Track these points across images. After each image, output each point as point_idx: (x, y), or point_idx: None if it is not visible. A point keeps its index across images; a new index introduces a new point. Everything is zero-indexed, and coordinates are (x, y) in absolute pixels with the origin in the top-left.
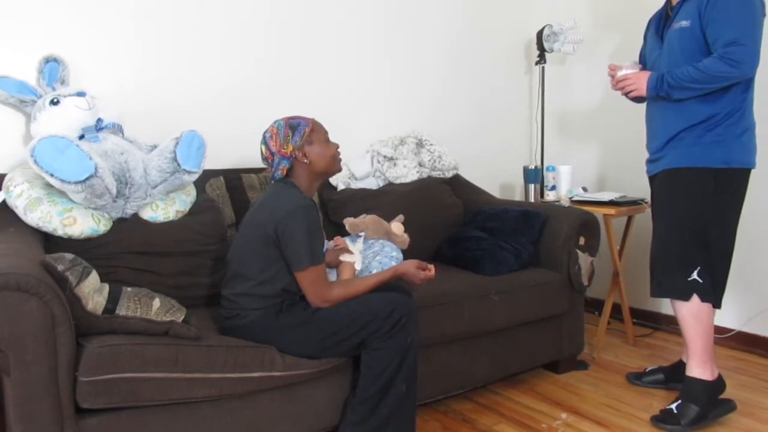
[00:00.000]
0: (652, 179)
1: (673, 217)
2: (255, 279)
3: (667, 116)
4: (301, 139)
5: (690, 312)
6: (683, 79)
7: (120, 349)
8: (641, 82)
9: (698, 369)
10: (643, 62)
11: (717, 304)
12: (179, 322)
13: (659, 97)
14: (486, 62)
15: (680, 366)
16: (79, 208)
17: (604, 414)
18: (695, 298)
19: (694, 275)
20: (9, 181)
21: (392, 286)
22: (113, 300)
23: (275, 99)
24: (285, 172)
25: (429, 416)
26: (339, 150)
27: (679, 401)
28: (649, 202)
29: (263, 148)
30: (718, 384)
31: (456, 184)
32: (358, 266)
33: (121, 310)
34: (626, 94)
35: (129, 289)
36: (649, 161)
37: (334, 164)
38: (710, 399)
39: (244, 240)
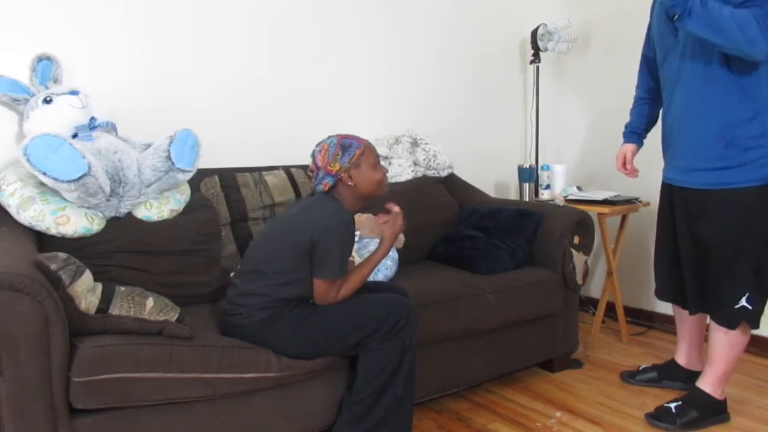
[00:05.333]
0: (677, 189)
1: (713, 240)
2: (276, 279)
3: (706, 113)
4: (349, 161)
5: (728, 338)
6: (713, 14)
7: (113, 349)
8: None
9: (711, 387)
10: (651, 45)
11: (757, 326)
12: (173, 321)
13: (672, 11)
14: (481, 62)
15: (673, 364)
16: (72, 207)
17: (598, 412)
18: (740, 326)
19: (743, 302)
20: (1, 179)
21: (390, 287)
22: (106, 300)
23: (270, 99)
24: (327, 188)
25: (424, 415)
26: (387, 175)
27: (680, 403)
28: (644, 202)
29: (310, 160)
30: (723, 404)
31: (451, 183)
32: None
33: (115, 310)
34: None
35: (122, 288)
36: (679, 168)
37: (379, 189)
38: (711, 413)
39: (276, 241)
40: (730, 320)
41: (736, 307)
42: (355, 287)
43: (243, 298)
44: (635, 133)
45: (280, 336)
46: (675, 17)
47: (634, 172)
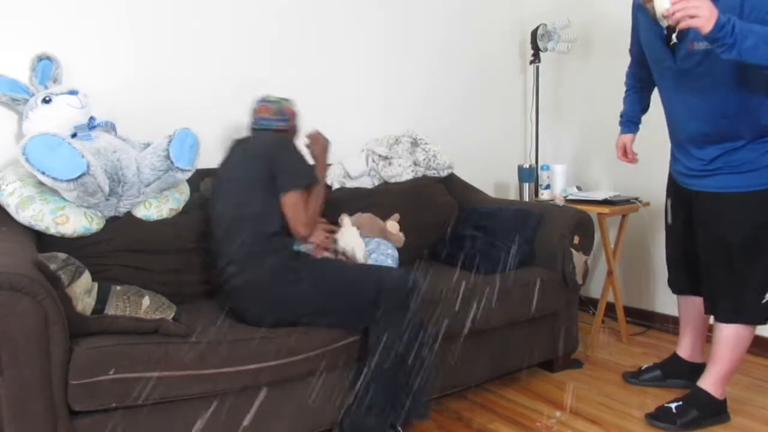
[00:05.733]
0: (694, 193)
1: (736, 240)
2: (255, 214)
3: (726, 121)
4: (297, 123)
5: (737, 334)
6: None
7: (109, 350)
8: (707, 11)
9: (713, 386)
10: (638, 44)
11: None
12: (169, 319)
13: (717, 42)
14: (481, 61)
15: (675, 359)
16: (71, 207)
17: (598, 412)
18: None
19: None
20: (1, 179)
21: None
22: (102, 300)
23: None
24: (279, 129)
25: None
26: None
27: (680, 402)
28: (644, 202)
29: (286, 104)
30: (723, 404)
31: (451, 183)
32: (359, 255)
33: (110, 309)
34: (676, 22)
35: (118, 287)
36: (695, 175)
37: None
38: (712, 413)
39: (241, 179)
40: (757, 316)
41: (763, 302)
42: (317, 207)
43: (236, 253)
44: (632, 122)
45: (284, 291)
46: (715, 47)
47: (635, 159)
